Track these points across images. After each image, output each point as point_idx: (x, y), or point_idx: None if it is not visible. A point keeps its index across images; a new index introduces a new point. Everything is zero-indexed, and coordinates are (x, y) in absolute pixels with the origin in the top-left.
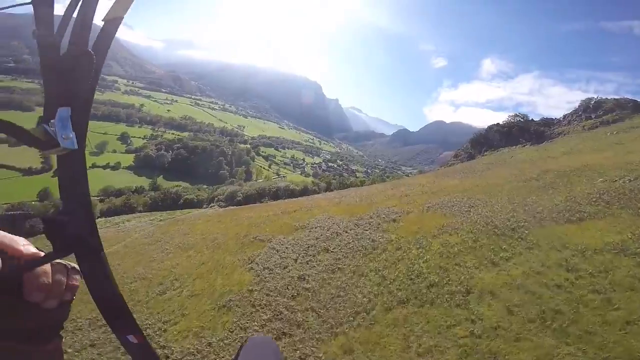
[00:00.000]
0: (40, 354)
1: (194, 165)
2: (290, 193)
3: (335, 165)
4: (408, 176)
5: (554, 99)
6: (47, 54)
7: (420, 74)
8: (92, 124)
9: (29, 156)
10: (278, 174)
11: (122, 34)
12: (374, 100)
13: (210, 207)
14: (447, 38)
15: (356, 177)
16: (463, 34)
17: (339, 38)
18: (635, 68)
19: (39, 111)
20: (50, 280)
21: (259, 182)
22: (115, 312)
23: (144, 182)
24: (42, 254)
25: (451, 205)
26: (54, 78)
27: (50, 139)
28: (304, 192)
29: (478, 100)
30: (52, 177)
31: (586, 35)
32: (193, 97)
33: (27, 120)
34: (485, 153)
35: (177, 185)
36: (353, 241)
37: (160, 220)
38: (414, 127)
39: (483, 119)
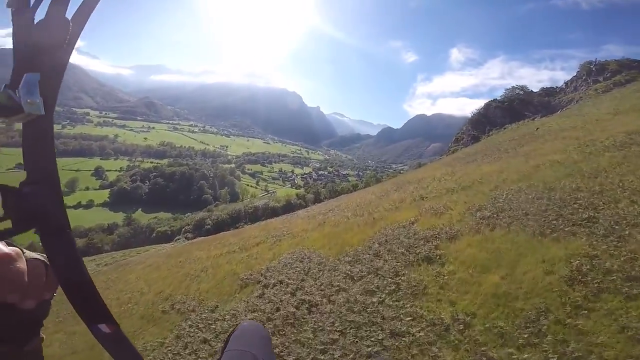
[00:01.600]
0: (19, 355)
1: (173, 193)
2: (271, 212)
3: (326, 173)
4: (402, 172)
5: (526, 80)
6: (20, 21)
7: (394, 71)
8: (62, 162)
9: None
10: (267, 190)
11: (88, 63)
12: (354, 104)
13: (176, 240)
14: (413, 32)
15: (348, 181)
16: (426, 26)
17: (310, 48)
18: (592, 43)
19: (7, 152)
20: (26, 279)
21: (233, 205)
22: (85, 298)
23: (119, 217)
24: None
25: (530, 208)
26: (24, 44)
27: (14, 104)
28: (288, 208)
29: (453, 90)
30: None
31: (541, 13)
32: (170, 122)
33: None
34: (492, 132)
35: (153, 218)
36: (349, 344)
37: (105, 264)
38: (397, 124)
39: (461, 108)
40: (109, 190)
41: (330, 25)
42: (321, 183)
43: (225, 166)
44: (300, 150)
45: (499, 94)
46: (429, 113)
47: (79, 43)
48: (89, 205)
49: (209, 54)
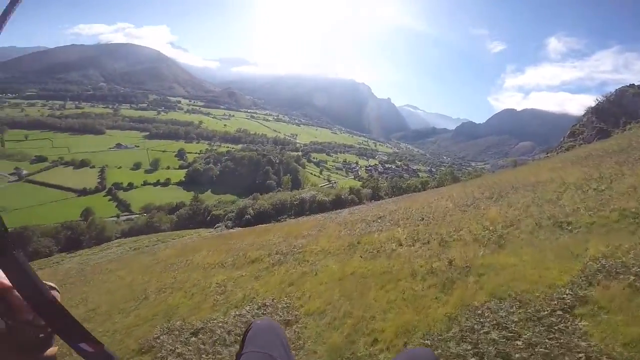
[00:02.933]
0: None
1: (240, 176)
2: (317, 206)
3: (394, 166)
4: (483, 171)
5: None
6: None
7: (477, 62)
8: (151, 143)
9: (83, 176)
10: (329, 180)
11: (181, 56)
12: (430, 96)
13: (216, 227)
14: (499, 20)
15: (418, 176)
16: (516, 12)
17: (383, 37)
18: None
19: (109, 133)
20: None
21: (279, 195)
22: (57, 317)
23: (189, 197)
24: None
25: None
26: None
27: None
28: (337, 203)
29: (552, 83)
30: (105, 196)
31: None
32: (249, 110)
33: (99, 142)
34: (630, 125)
35: (219, 199)
36: None
37: (131, 248)
38: (479, 119)
39: (561, 103)
40: (186, 170)
41: (405, 13)
42: (386, 177)
43: (292, 153)
44: (367, 141)
45: (610, 89)
46: (519, 108)
47: (173, 38)
48: (166, 183)
49: (283, 46)
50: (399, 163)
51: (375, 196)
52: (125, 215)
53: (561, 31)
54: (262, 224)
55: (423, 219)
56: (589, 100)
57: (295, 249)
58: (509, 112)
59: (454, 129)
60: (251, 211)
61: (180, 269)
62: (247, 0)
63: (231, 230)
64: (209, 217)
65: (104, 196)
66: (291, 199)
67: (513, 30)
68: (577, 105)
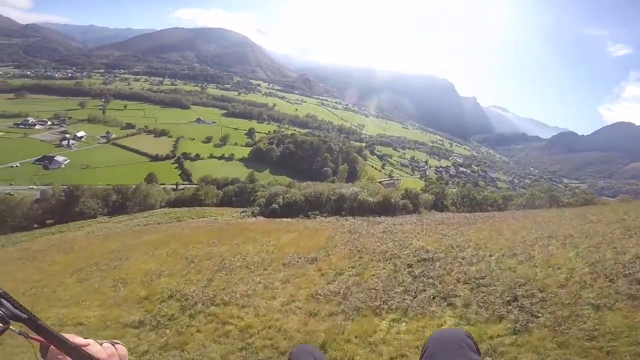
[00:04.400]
0: None
1: (299, 160)
2: (359, 206)
3: (469, 171)
4: (585, 192)
5: None
6: None
7: (591, 65)
8: (226, 121)
9: (160, 144)
10: (390, 176)
11: (265, 43)
12: (524, 98)
13: (242, 213)
14: (626, 18)
15: (497, 187)
16: None
17: (476, 27)
18: None
19: (193, 109)
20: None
21: (318, 185)
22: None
23: (246, 173)
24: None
25: None
26: None
27: None
28: (386, 207)
29: None
30: (172, 164)
31: None
32: (320, 97)
33: (183, 115)
34: None
35: (275, 180)
36: None
37: (141, 224)
38: (584, 130)
39: None
40: (250, 148)
41: (503, 3)
42: (458, 182)
43: (355, 144)
44: (442, 140)
45: None
46: (638, 122)
47: (258, 24)
48: (230, 158)
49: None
50: (476, 168)
51: (439, 204)
52: (184, 184)
53: None
54: (288, 217)
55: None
56: None
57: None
58: (625, 126)
59: (549, 137)
60: (280, 200)
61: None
62: None
63: (250, 219)
64: (252, 198)
65: (172, 163)
66: (329, 193)
67: None
68: None
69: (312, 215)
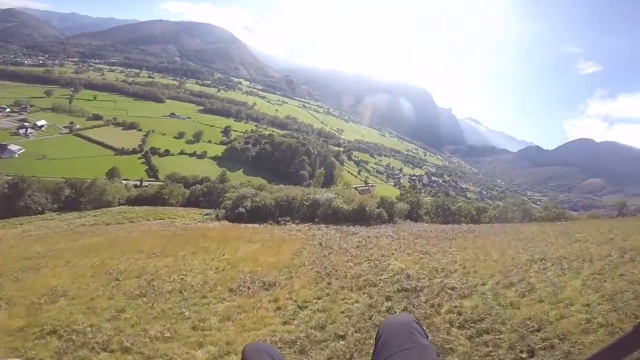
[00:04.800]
0: None
1: (276, 162)
2: (333, 213)
3: (441, 181)
4: (554, 206)
5: None
6: None
7: (561, 82)
8: (202, 117)
9: (127, 138)
10: (366, 182)
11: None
12: (496, 112)
13: (205, 215)
14: (598, 37)
15: (467, 197)
16: (623, 30)
17: (456, 40)
18: None
19: (168, 103)
20: None
21: (291, 190)
22: None
23: (218, 172)
24: None
25: None
26: None
27: None
28: (360, 215)
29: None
30: (139, 159)
31: None
32: (302, 100)
33: (157, 109)
34: None
35: (248, 181)
36: None
37: (89, 223)
38: (549, 144)
39: None
40: (225, 146)
41: (480, 14)
42: (430, 190)
43: (333, 148)
44: (417, 149)
45: None
46: (598, 139)
47: (246, 22)
48: (202, 156)
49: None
50: (447, 178)
51: (414, 214)
52: (149, 181)
53: None
54: (256, 222)
55: None
56: None
57: None
58: (585, 143)
59: (517, 151)
60: (249, 204)
61: None
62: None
63: (212, 223)
64: (220, 199)
65: (138, 158)
66: (302, 198)
67: (615, 50)
68: None
69: (282, 222)
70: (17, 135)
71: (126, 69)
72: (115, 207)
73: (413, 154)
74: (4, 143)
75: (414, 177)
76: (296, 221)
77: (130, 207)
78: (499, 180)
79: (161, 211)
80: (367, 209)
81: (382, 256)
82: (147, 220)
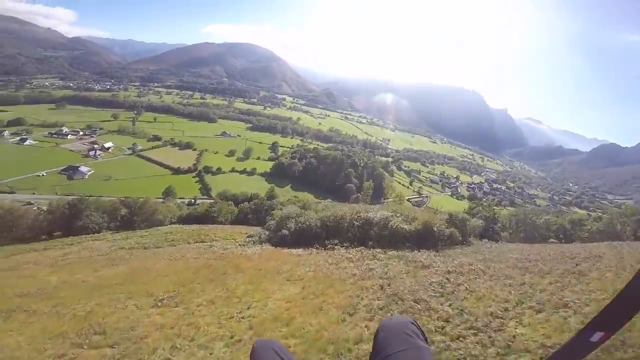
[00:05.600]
0: None
1: (322, 175)
2: (390, 235)
3: (504, 188)
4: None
5: None
6: None
7: (628, 72)
8: (251, 134)
9: (183, 157)
10: (420, 193)
11: (290, 57)
12: (559, 109)
13: (247, 239)
14: None
15: (536, 204)
16: None
17: (505, 37)
18: None
19: (220, 122)
20: None
21: (336, 208)
22: None
23: (267, 189)
24: None
25: None
26: None
27: None
28: (424, 237)
29: None
30: (193, 177)
31: None
32: (344, 112)
33: (210, 129)
34: None
35: (295, 196)
36: None
37: (122, 247)
38: (627, 141)
39: None
40: (273, 162)
41: (532, 7)
42: (493, 199)
43: (381, 159)
44: (472, 155)
45: None
46: None
47: (284, 39)
48: (252, 172)
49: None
50: (511, 184)
51: (489, 231)
52: (202, 198)
53: None
54: (300, 246)
55: None
56: None
57: None
58: None
59: (589, 150)
60: (292, 225)
61: None
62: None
63: (253, 248)
64: (267, 216)
65: (193, 177)
66: (351, 217)
67: None
68: None
69: (329, 245)
70: (87, 157)
71: (181, 91)
72: (166, 226)
73: (469, 160)
74: (76, 165)
75: (473, 185)
76: (345, 244)
77: (180, 226)
78: (570, 184)
79: (206, 231)
80: (435, 229)
81: (492, 316)
82: (188, 243)
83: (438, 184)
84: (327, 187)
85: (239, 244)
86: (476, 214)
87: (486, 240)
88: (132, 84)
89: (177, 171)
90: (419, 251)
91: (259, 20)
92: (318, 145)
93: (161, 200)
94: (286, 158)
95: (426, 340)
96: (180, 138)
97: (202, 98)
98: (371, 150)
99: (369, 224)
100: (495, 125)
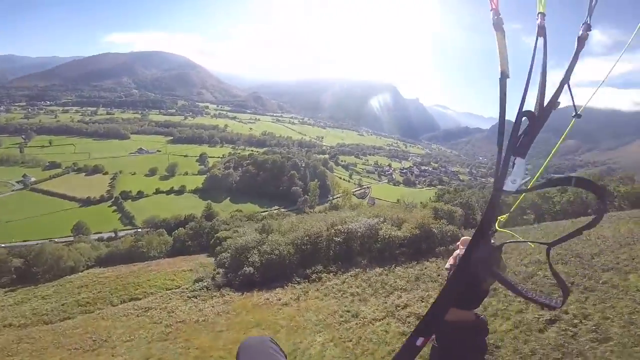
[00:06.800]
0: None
1: (262, 182)
2: (384, 246)
3: (431, 169)
4: None
5: None
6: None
7: (511, 58)
8: (173, 148)
9: (93, 184)
10: (360, 185)
11: (210, 63)
12: (461, 95)
13: (196, 284)
14: (533, 12)
15: (460, 179)
16: (554, 2)
17: (410, 35)
18: None
19: (134, 138)
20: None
21: (304, 220)
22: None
23: (204, 206)
24: None
25: None
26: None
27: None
28: (417, 242)
29: (596, 79)
30: (110, 207)
31: None
32: (274, 114)
33: (122, 147)
34: None
35: (236, 211)
36: None
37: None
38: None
39: (608, 99)
40: (204, 176)
41: (434, 10)
42: (424, 180)
43: (318, 156)
44: (397, 143)
45: None
46: (563, 104)
47: (203, 45)
48: (181, 191)
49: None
50: (435, 165)
51: (470, 219)
52: (125, 229)
53: (606, 22)
54: (273, 285)
55: None
56: None
57: None
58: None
59: (489, 128)
60: (256, 258)
61: None
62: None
63: (209, 302)
64: (212, 241)
65: (108, 206)
66: (329, 232)
67: (550, 22)
68: (627, 101)
69: (313, 275)
70: None
71: (81, 108)
72: (79, 273)
73: (395, 148)
74: None
75: (405, 170)
76: (331, 268)
77: (99, 270)
78: (481, 158)
79: (135, 276)
80: (434, 230)
81: None
82: (111, 304)
83: (374, 173)
84: (271, 194)
85: (188, 296)
86: (449, 202)
87: (471, 230)
88: (17, 104)
89: (87, 202)
90: (423, 263)
91: (170, 27)
92: (253, 151)
93: (71, 239)
94: (219, 169)
95: (286, 357)
96: (85, 162)
97: (108, 113)
98: (308, 150)
99: (353, 237)
100: (410, 114)
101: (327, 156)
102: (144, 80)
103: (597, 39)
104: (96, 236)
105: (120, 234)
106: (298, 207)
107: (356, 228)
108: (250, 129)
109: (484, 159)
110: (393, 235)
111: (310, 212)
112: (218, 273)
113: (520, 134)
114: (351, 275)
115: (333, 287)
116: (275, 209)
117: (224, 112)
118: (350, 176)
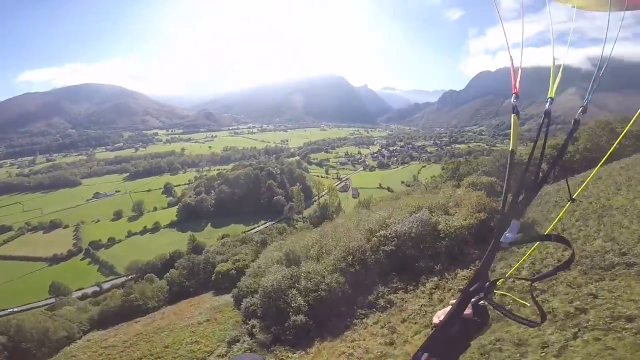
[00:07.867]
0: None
1: (241, 200)
2: (451, 244)
3: (399, 147)
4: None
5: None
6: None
7: (439, 31)
8: (132, 185)
9: (55, 241)
10: (339, 178)
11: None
12: (405, 75)
13: (235, 345)
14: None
15: (428, 152)
16: None
17: (344, 24)
18: None
19: (85, 183)
20: None
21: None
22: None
23: (185, 240)
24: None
25: None
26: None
27: None
28: (479, 228)
29: (515, 41)
30: (82, 260)
31: None
32: (230, 128)
33: (75, 195)
34: None
35: (222, 237)
36: None
37: None
38: (459, 86)
39: (529, 58)
40: (176, 207)
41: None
42: (396, 160)
43: (290, 160)
44: (358, 130)
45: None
46: (492, 69)
47: (130, 71)
48: (156, 228)
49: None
50: (401, 143)
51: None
52: (109, 280)
53: None
54: (332, 334)
55: None
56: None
57: None
58: (485, 74)
59: (437, 100)
60: (300, 300)
61: None
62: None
63: None
64: (214, 277)
65: (81, 259)
66: (370, 242)
67: None
68: (545, 58)
69: (378, 303)
70: None
71: (16, 160)
72: (78, 341)
73: (358, 135)
74: None
75: (375, 154)
76: (394, 285)
77: (100, 333)
78: (438, 129)
79: (149, 347)
80: (498, 208)
81: None
82: None
83: (348, 163)
84: (253, 209)
85: None
86: (470, 173)
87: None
88: None
89: (54, 260)
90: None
91: (89, 56)
92: (219, 169)
93: (52, 301)
94: (190, 197)
95: None
96: (39, 218)
97: (49, 160)
98: (277, 155)
99: (405, 240)
100: (362, 101)
101: (298, 158)
102: (77, 117)
103: (507, 5)
104: (79, 293)
105: (106, 285)
106: (286, 217)
107: (406, 229)
108: (210, 147)
109: (441, 128)
110: (458, 226)
111: (304, 219)
112: (254, 327)
113: (519, 201)
114: (432, 288)
115: (420, 311)
116: (262, 224)
117: (177, 136)
118: (326, 172)
